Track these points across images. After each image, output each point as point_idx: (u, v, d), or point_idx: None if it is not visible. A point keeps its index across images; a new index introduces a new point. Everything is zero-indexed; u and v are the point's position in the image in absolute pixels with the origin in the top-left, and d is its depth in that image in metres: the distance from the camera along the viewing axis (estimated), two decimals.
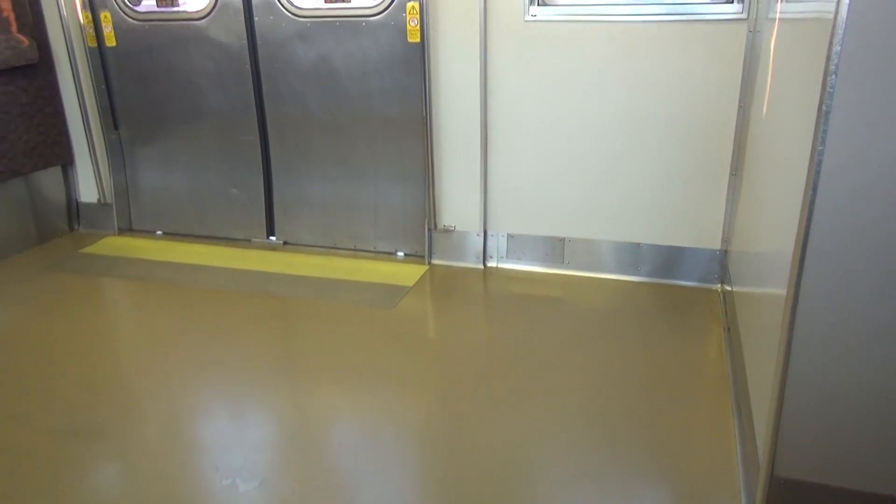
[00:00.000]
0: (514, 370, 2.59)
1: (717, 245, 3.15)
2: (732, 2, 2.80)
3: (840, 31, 1.25)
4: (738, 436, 2.11)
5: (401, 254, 3.69)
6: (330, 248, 3.81)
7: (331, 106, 3.56)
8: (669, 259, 3.25)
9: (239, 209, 3.93)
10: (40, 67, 3.80)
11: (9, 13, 3.62)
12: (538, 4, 3.03)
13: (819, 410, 1.53)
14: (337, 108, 3.55)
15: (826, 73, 1.28)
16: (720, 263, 3.17)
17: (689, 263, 3.23)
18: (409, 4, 3.23)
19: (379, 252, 3.72)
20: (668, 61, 2.97)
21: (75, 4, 3.71)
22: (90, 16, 3.77)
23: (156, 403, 2.43)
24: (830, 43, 1.27)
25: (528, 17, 3.06)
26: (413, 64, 3.31)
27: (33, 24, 3.73)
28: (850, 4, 1.24)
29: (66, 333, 2.93)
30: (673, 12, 2.89)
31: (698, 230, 3.17)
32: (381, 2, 3.28)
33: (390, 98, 3.44)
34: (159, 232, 4.12)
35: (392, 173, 3.59)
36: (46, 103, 3.88)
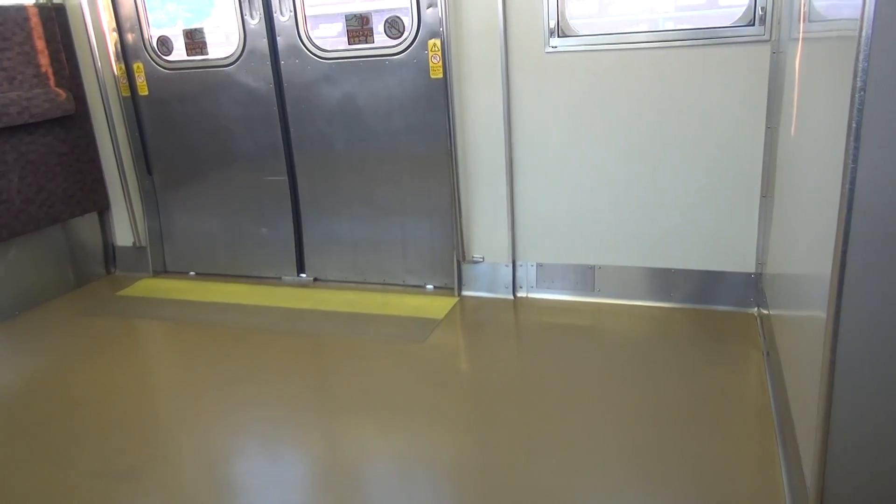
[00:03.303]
0: (548, 403, 2.55)
1: (752, 268, 3.09)
2: (754, 24, 2.80)
3: (865, 48, 1.24)
4: (784, 465, 2.04)
5: (430, 287, 3.69)
6: (359, 283, 3.83)
7: (357, 144, 3.62)
8: (703, 284, 3.20)
9: (269, 248, 3.98)
10: (77, 118, 3.94)
11: (47, 68, 3.77)
12: (558, 36, 3.06)
13: (869, 436, 1.47)
14: (363, 146, 3.61)
15: (854, 90, 1.26)
16: (755, 287, 3.11)
17: (723, 287, 3.17)
18: (431, 42, 3.28)
19: (408, 286, 3.73)
20: (692, 85, 2.96)
21: (110, 57, 3.85)
22: (124, 67, 3.91)
23: (190, 444, 2.44)
24: (857, 60, 1.25)
25: (549, 49, 3.09)
26: (437, 100, 3.36)
27: (70, 77, 3.89)
28: (873, 22, 1.22)
29: (103, 376, 2.97)
30: (693, 37, 2.89)
31: (731, 253, 3.11)
32: (404, 40, 3.35)
33: (415, 134, 3.49)
34: (193, 273, 4.19)
35: (419, 207, 3.61)
36: (83, 152, 4.00)
